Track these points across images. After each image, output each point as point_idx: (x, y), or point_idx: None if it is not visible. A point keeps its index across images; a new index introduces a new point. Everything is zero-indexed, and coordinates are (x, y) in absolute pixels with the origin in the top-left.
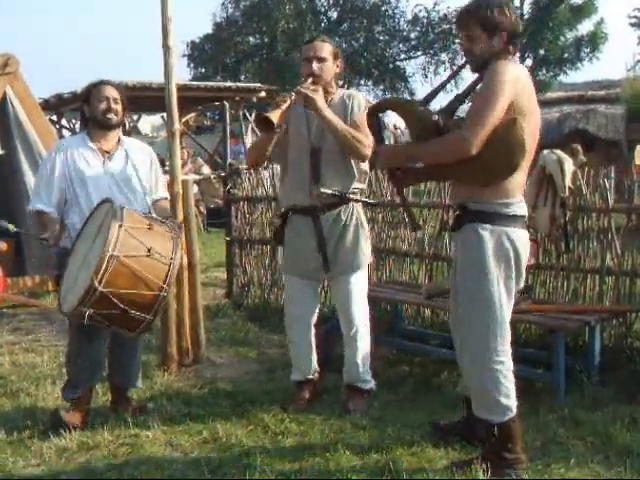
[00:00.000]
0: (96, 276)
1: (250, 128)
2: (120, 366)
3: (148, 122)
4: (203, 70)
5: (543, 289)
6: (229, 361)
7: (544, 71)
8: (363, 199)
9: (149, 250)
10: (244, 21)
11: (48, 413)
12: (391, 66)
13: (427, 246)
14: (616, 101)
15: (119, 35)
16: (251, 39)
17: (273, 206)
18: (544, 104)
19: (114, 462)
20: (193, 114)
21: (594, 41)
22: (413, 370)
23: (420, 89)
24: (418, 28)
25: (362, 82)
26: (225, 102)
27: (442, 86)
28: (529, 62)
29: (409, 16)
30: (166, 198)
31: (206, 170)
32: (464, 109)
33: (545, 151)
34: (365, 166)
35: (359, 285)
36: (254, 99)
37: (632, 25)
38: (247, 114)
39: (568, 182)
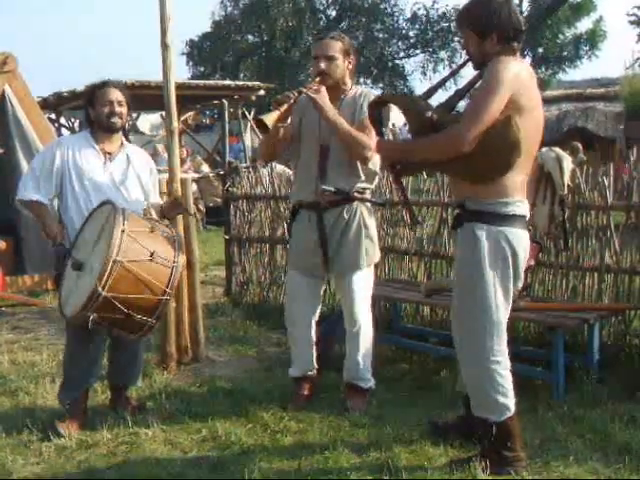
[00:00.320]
0: (100, 281)
1: (249, 126)
2: (121, 366)
3: (147, 120)
4: (202, 69)
5: (542, 287)
6: (228, 359)
7: (543, 69)
8: (369, 199)
9: (152, 254)
10: (243, 19)
11: (47, 411)
12: (390, 64)
13: (426, 244)
14: (615, 99)
15: (119, 35)
16: (250, 37)
17: (272, 204)
18: (543, 102)
19: (113, 461)
20: (192, 112)
21: (593, 39)
22: (412, 368)
23: (419, 87)
24: (417, 26)
25: (361, 80)
26: (224, 100)
27: (443, 82)
28: (528, 60)
29: (408, 14)
30: (160, 205)
31: (205, 168)
32: (464, 105)
33: (544, 149)
34: (374, 166)
35: (361, 284)
36: (253, 97)
37: (631, 23)
38: (246, 112)
39: (567, 180)
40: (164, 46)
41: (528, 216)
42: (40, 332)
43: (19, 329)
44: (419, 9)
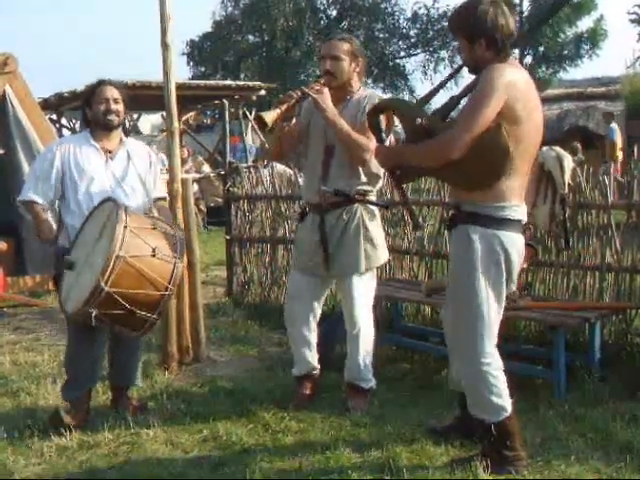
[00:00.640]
0: (102, 276)
1: (250, 126)
2: (120, 365)
3: (148, 121)
4: (203, 69)
5: (543, 286)
6: (229, 359)
7: (544, 68)
8: (371, 201)
9: (154, 250)
10: (244, 19)
11: (49, 412)
12: (391, 64)
13: (427, 244)
14: (616, 98)
15: (119, 35)
16: (251, 37)
17: (273, 204)
18: (544, 101)
19: (114, 461)
20: (193, 113)
21: (594, 38)
22: (413, 367)
23: (420, 86)
24: (418, 25)
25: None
26: (224, 101)
27: (440, 86)
28: (529, 59)
29: (409, 14)
30: (165, 198)
31: (206, 168)
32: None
33: (544, 148)
34: (376, 169)
35: (362, 288)
36: (254, 97)
37: (632, 22)
38: (247, 112)
39: (567, 179)
40: (164, 46)
41: (524, 220)
42: (41, 333)
43: (20, 330)
44: (420, 8)
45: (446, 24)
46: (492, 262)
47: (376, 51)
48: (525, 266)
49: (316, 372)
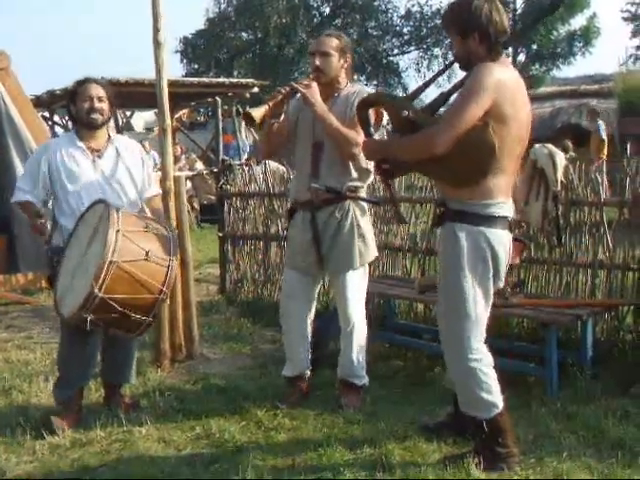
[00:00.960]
0: (96, 283)
1: (243, 124)
2: (114, 363)
3: (141, 118)
4: (196, 66)
5: (535, 283)
6: (222, 357)
7: (537, 66)
8: (363, 197)
9: (147, 253)
10: (237, 17)
11: (41, 410)
12: (384, 61)
13: (420, 241)
14: (609, 95)
15: (119, 35)
16: (244, 35)
17: (266, 202)
18: (537, 99)
19: (107, 459)
20: (186, 110)
21: (587, 35)
22: (406, 365)
23: (413, 84)
24: (411, 23)
25: (355, 77)
26: (217, 98)
27: (430, 82)
28: (522, 57)
29: (402, 11)
30: (158, 194)
31: (200, 166)
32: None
33: (537, 145)
34: (367, 164)
35: (355, 284)
36: (247, 95)
37: (625, 19)
38: (240, 110)
39: (560, 176)
40: (156, 44)
41: (511, 216)
42: (34, 331)
43: (13, 328)
44: (413, 6)
45: (439, 22)
46: (479, 259)
47: (369, 49)
48: (517, 262)
49: (308, 373)
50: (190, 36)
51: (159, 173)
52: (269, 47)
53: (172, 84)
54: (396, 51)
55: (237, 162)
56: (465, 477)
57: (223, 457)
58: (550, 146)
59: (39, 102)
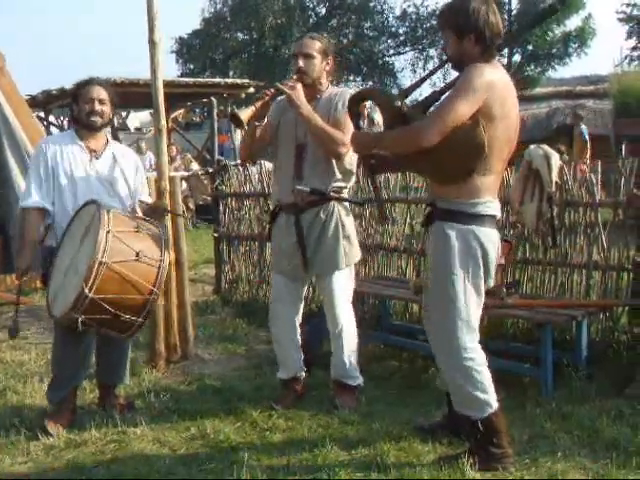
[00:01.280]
0: (86, 283)
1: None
2: (109, 364)
3: (136, 118)
4: (192, 66)
5: (530, 284)
6: (217, 357)
7: (532, 66)
8: (347, 198)
9: (137, 254)
10: (232, 17)
11: (35, 411)
12: (380, 62)
13: (415, 241)
14: (604, 96)
15: (119, 35)
16: (239, 35)
17: (261, 202)
18: (532, 99)
19: (102, 459)
20: (181, 110)
21: (582, 36)
22: (401, 365)
23: (409, 85)
24: (407, 24)
25: (351, 78)
26: (213, 99)
27: (421, 82)
28: (517, 57)
29: (398, 12)
30: (148, 203)
31: (195, 166)
32: None
33: (532, 146)
34: (349, 165)
35: (341, 285)
36: (242, 95)
37: (620, 20)
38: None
39: (555, 177)
40: (152, 43)
41: (498, 215)
42: (28, 331)
43: (7, 328)
44: (409, 7)
45: (435, 22)
46: (469, 257)
47: (365, 49)
48: (504, 262)
49: (302, 374)
50: (186, 36)
51: (155, 173)
52: (265, 48)
53: (168, 84)
54: (392, 52)
55: (232, 162)
56: (460, 477)
57: (218, 457)
58: (545, 147)
59: (35, 102)
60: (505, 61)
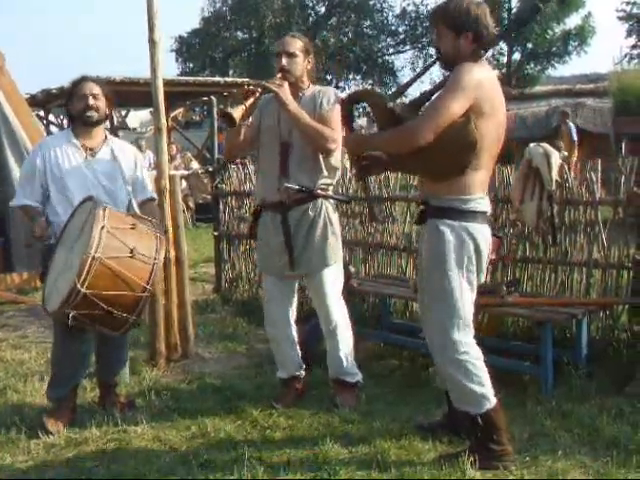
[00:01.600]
0: (79, 278)
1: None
2: (108, 362)
3: (136, 117)
4: (191, 65)
5: (530, 282)
6: (217, 356)
7: (532, 65)
8: (334, 195)
9: (132, 251)
10: (232, 16)
11: (36, 409)
12: (379, 60)
13: (415, 240)
14: (604, 94)
15: (119, 35)
16: (239, 34)
17: None
18: (532, 98)
19: (102, 458)
20: (181, 109)
21: (582, 35)
22: (402, 364)
23: (418, 79)
24: (406, 22)
25: (351, 76)
26: (212, 97)
27: (411, 82)
28: (517, 56)
29: (397, 10)
30: (154, 199)
31: (195, 165)
32: None
33: (532, 144)
34: (335, 162)
35: (332, 280)
36: None
37: (620, 19)
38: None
39: (555, 175)
40: (152, 43)
41: (489, 212)
42: (29, 330)
43: (7, 327)
44: (408, 5)
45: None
46: (464, 253)
47: (365, 48)
48: (494, 257)
49: (302, 372)
50: (185, 35)
51: (155, 172)
52: (264, 46)
53: (167, 83)
54: (391, 50)
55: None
56: (460, 476)
57: (218, 456)
58: (545, 145)
59: (34, 101)
60: (505, 59)
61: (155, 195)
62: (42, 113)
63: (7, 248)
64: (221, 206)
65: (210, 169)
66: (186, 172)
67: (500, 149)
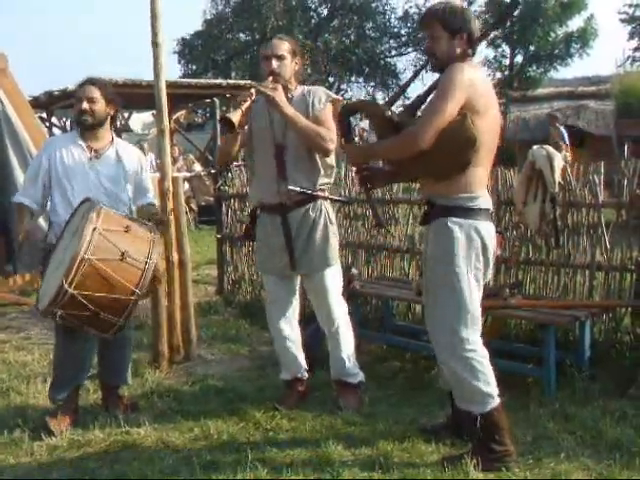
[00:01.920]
0: (66, 278)
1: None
2: (111, 363)
3: (139, 119)
4: (194, 67)
5: (533, 284)
6: (220, 358)
7: (534, 67)
8: (335, 197)
9: (123, 254)
10: (234, 18)
11: (39, 411)
12: (382, 62)
13: (418, 242)
14: (606, 97)
15: (119, 35)
16: (241, 36)
17: None
18: (534, 100)
19: (105, 459)
20: (184, 111)
21: (584, 37)
22: (404, 366)
23: (411, 85)
24: (409, 24)
25: (353, 79)
26: (215, 99)
27: (404, 88)
28: (519, 58)
29: (400, 12)
30: (153, 204)
31: (198, 167)
32: None
33: (535, 147)
34: (331, 161)
35: (333, 281)
36: None
37: (622, 21)
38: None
39: (558, 177)
40: (155, 45)
41: (491, 209)
42: (31, 332)
43: (10, 329)
44: (411, 7)
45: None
46: (472, 251)
47: (367, 50)
48: (499, 252)
49: (305, 374)
50: (188, 37)
51: (157, 174)
52: None
53: (170, 85)
54: (394, 52)
55: (235, 163)
56: (463, 478)
57: (221, 458)
58: (548, 147)
59: (37, 103)
60: (507, 62)
61: (155, 201)
62: (45, 115)
63: (9, 249)
64: (224, 208)
65: (212, 171)
66: (188, 174)
67: (497, 146)
